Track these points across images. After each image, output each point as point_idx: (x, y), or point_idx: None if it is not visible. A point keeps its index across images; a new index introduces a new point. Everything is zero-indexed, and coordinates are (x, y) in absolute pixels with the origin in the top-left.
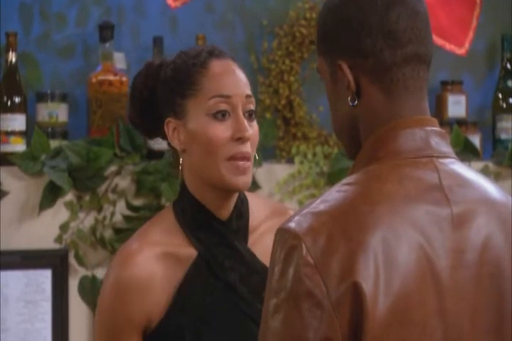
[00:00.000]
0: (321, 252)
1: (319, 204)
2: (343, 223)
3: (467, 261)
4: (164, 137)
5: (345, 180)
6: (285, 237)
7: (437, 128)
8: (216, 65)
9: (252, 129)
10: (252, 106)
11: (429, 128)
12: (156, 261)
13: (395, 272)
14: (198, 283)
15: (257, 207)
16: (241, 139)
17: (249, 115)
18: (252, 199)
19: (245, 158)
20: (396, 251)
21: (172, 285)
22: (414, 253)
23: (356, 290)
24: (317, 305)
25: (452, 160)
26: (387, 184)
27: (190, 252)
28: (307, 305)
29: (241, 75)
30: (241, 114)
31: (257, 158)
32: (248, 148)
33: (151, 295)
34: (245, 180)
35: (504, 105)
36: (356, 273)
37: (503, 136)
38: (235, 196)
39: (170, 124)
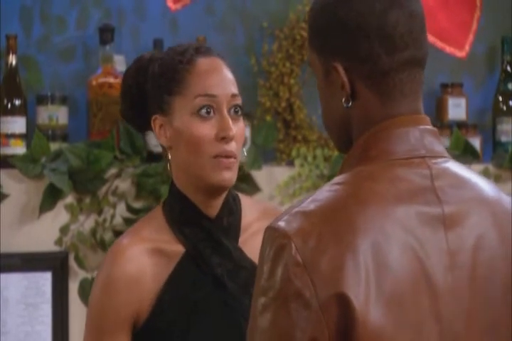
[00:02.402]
0: (311, 253)
1: (309, 204)
2: (333, 224)
3: (460, 263)
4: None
5: (335, 180)
6: (274, 236)
7: (430, 127)
8: (202, 63)
9: (237, 127)
10: (238, 102)
11: (422, 126)
12: (146, 256)
13: (386, 275)
14: (185, 279)
15: (249, 207)
16: (225, 139)
17: (235, 112)
18: (244, 200)
19: (230, 156)
20: (387, 254)
21: (160, 281)
22: (406, 256)
23: (342, 299)
24: (305, 306)
25: (445, 159)
26: (378, 184)
27: (178, 249)
28: (295, 305)
29: (227, 74)
30: (226, 113)
31: (245, 154)
32: (233, 147)
33: (140, 290)
34: (230, 175)
35: (504, 108)
36: (343, 280)
37: (503, 139)
38: (224, 194)
39: (156, 121)
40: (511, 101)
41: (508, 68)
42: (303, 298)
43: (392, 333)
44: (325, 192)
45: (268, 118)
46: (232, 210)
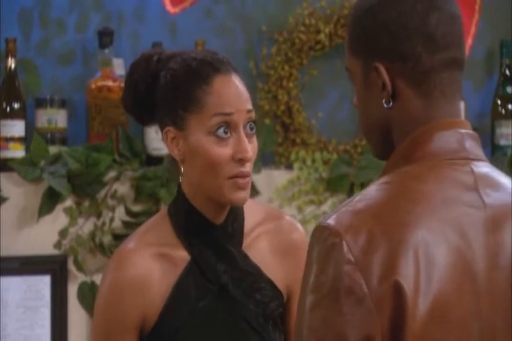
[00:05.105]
0: (362, 250)
1: (357, 203)
2: (383, 221)
3: (501, 264)
4: (156, 123)
5: (381, 180)
6: (325, 234)
7: (471, 131)
8: (219, 82)
9: (252, 145)
10: (253, 117)
11: (463, 130)
12: (152, 261)
13: (434, 272)
14: (191, 286)
15: (252, 211)
16: (242, 160)
17: (250, 128)
18: (247, 203)
19: (245, 176)
20: (435, 251)
21: (167, 287)
22: (452, 254)
23: (397, 289)
24: (358, 303)
25: (485, 163)
26: (425, 184)
27: (184, 255)
28: (348, 303)
29: (243, 90)
30: (242, 132)
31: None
32: (248, 167)
33: (147, 294)
34: (244, 195)
35: (503, 111)
36: (397, 272)
37: (502, 142)
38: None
39: (169, 134)
40: (510, 104)
41: (507, 72)
42: (355, 295)
43: (437, 329)
44: (372, 192)
45: (267, 121)
46: (236, 217)
